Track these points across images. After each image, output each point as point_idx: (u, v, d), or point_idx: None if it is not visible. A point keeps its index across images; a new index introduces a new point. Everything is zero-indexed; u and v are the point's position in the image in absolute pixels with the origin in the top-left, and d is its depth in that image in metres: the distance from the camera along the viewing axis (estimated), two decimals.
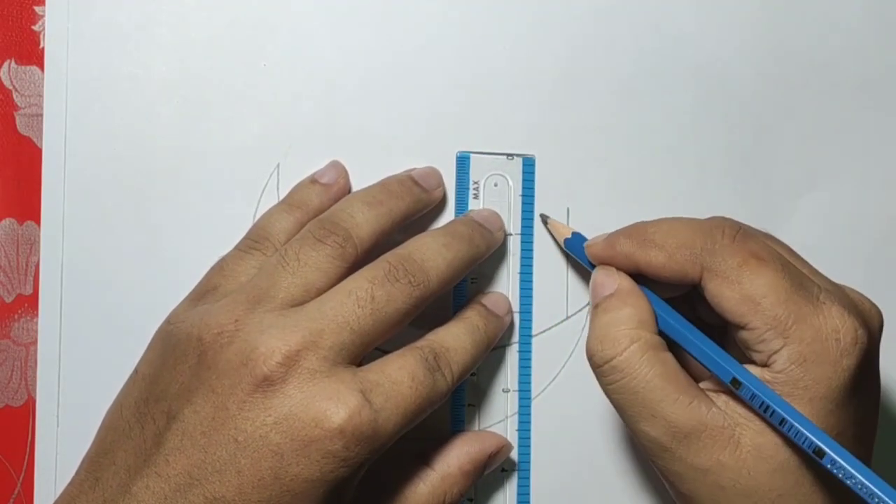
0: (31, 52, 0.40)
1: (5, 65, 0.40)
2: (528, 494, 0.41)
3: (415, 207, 0.38)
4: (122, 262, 0.40)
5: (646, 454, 0.35)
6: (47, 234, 0.40)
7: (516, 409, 0.41)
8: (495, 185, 0.41)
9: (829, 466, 0.31)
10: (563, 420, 0.41)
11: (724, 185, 0.42)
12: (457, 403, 0.40)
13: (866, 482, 0.31)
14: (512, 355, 0.41)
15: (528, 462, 0.41)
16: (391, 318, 0.34)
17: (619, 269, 0.36)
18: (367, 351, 0.34)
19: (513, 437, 0.40)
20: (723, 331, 0.36)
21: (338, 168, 0.40)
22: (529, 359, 0.41)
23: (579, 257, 0.39)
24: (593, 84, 0.42)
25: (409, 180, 0.39)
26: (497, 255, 0.41)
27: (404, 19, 0.41)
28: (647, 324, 0.35)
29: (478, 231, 0.38)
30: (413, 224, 0.39)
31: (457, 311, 0.39)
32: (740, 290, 0.33)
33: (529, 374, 0.41)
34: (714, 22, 0.42)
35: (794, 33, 0.43)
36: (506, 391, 0.41)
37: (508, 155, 0.41)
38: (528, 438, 0.41)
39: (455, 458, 0.37)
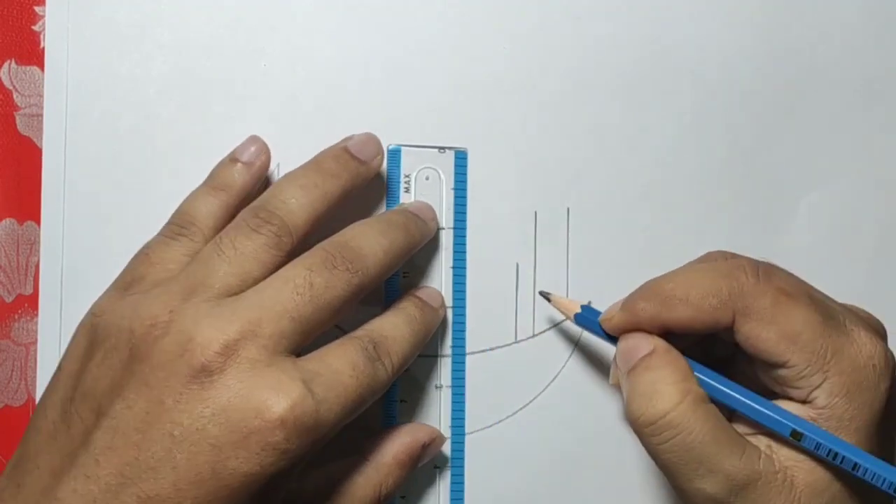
0: (31, 52, 0.40)
1: (5, 65, 0.40)
2: (462, 492, 0.40)
3: (352, 184, 0.37)
4: (122, 262, 0.40)
5: None
6: (47, 234, 0.40)
7: (449, 405, 0.40)
8: (427, 178, 0.41)
9: None
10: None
11: (724, 185, 0.42)
12: (389, 399, 0.40)
13: None
14: (444, 352, 0.41)
15: (462, 459, 0.40)
16: (331, 306, 0.34)
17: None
18: (307, 341, 0.33)
19: (445, 434, 0.40)
20: (728, 363, 0.36)
21: (258, 144, 0.38)
22: (463, 355, 0.41)
23: (594, 331, 0.37)
24: (594, 84, 0.41)
25: (346, 154, 0.37)
26: (429, 249, 0.40)
27: (405, 19, 0.41)
28: (692, 378, 0.34)
29: (412, 220, 0.38)
30: (347, 210, 0.38)
31: (388, 305, 0.38)
32: (776, 330, 0.33)
33: (463, 371, 0.40)
34: (714, 22, 0.42)
35: (794, 33, 0.43)
36: (438, 387, 0.40)
37: (440, 148, 0.40)
38: (462, 435, 0.40)
39: (389, 450, 0.37)
